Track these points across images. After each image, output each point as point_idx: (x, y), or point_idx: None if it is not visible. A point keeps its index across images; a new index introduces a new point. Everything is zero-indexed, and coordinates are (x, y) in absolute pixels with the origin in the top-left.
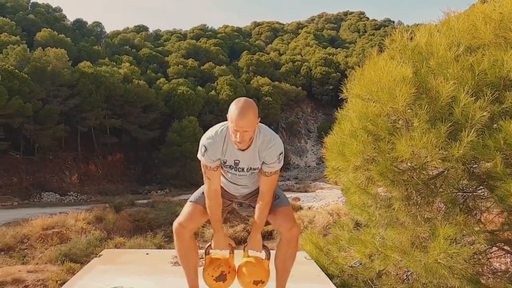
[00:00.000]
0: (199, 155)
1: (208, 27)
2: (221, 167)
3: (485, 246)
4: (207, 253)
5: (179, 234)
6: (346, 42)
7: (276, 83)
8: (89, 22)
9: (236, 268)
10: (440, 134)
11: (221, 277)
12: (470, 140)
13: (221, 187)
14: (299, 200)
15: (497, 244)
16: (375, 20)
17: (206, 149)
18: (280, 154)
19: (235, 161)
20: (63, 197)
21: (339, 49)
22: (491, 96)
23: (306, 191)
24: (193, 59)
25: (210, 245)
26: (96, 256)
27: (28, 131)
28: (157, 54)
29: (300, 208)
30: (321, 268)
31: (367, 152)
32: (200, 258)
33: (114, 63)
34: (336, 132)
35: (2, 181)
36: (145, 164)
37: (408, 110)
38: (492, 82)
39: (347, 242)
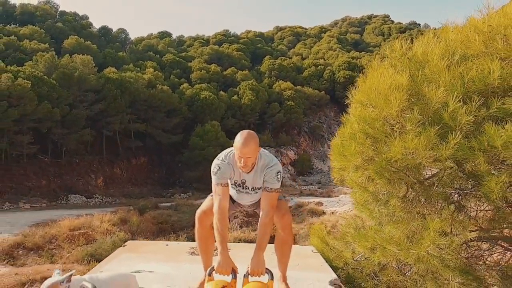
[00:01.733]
0: (212, 174)
1: (230, 32)
2: (231, 185)
3: (472, 239)
4: (209, 274)
5: (201, 220)
6: (370, 45)
7: (299, 87)
8: (114, 29)
9: None
10: (430, 136)
11: None
12: (457, 142)
13: (230, 195)
14: (322, 205)
15: (496, 241)
16: (400, 23)
17: (219, 168)
18: (278, 173)
19: (242, 180)
20: (88, 200)
21: (363, 52)
22: (479, 102)
23: (329, 196)
24: (216, 64)
25: (213, 267)
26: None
27: (56, 135)
28: (180, 59)
29: (323, 213)
30: (326, 261)
31: (365, 152)
32: (215, 250)
33: (139, 69)
34: (338, 134)
35: (31, 183)
36: (169, 168)
37: (408, 115)
38: (480, 89)
39: (352, 238)
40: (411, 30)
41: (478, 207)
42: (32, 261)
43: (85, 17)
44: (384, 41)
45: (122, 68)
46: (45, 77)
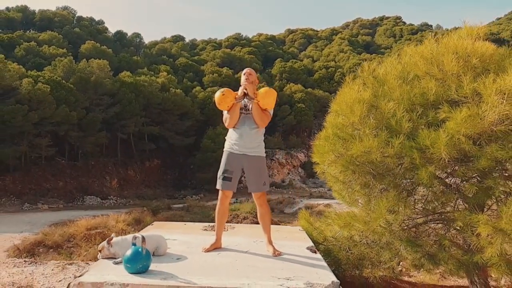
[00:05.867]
0: None
1: (242, 35)
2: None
3: (425, 222)
4: None
5: (222, 200)
6: (382, 47)
7: (309, 89)
8: (129, 33)
9: None
10: (382, 138)
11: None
12: (400, 143)
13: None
14: (331, 206)
15: (440, 220)
16: (412, 25)
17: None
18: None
19: (245, 105)
20: (103, 201)
21: (374, 54)
22: (420, 112)
23: None
24: (228, 68)
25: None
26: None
27: (72, 138)
28: (193, 63)
29: None
30: (309, 236)
31: (336, 151)
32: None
33: (152, 73)
34: (317, 137)
35: (49, 184)
36: (181, 170)
37: (373, 121)
38: (422, 102)
39: (332, 219)
40: (423, 32)
41: (427, 193)
42: (52, 259)
43: (101, 22)
44: (396, 42)
45: (137, 72)
46: (63, 81)
